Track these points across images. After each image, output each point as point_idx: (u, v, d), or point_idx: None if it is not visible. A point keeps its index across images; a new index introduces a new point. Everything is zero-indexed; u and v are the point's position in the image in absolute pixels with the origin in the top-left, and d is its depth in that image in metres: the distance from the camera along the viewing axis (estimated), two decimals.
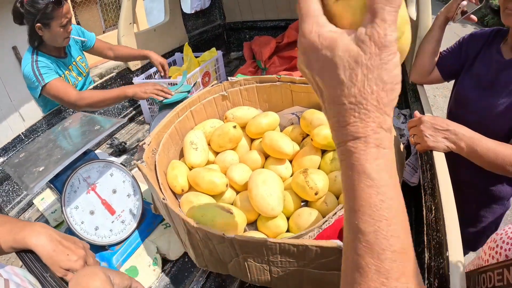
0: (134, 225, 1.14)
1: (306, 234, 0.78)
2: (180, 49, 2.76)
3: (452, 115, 1.46)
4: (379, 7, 0.33)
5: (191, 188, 1.14)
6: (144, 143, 1.08)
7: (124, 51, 2.13)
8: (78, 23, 6.86)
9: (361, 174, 0.35)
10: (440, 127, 1.04)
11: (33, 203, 1.54)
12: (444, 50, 1.47)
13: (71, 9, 1.80)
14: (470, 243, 1.61)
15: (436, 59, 1.45)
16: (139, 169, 1.00)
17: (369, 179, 0.35)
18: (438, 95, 4.92)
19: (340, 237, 0.76)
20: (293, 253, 0.71)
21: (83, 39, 2.01)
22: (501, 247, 0.68)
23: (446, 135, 1.04)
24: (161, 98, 1.67)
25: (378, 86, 0.34)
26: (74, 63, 2.00)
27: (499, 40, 1.30)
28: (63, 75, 1.89)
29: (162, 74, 2.04)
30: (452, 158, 1.06)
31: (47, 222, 1.36)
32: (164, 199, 0.90)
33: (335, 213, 0.72)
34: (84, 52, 2.11)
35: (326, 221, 0.71)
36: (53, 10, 1.64)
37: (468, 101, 1.34)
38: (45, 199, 1.40)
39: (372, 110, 0.35)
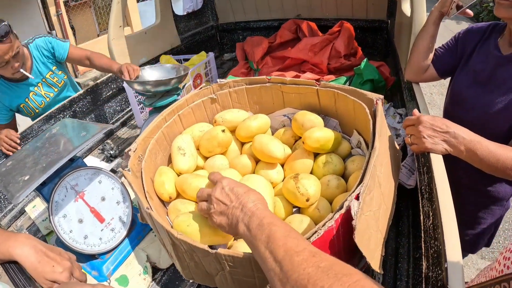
0: (124, 233, 1.12)
1: None
2: (172, 52, 2.74)
3: (448, 113, 1.42)
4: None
5: (179, 195, 1.10)
6: (130, 150, 1.05)
7: (102, 61, 1.97)
8: (72, 28, 6.82)
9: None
10: (439, 128, 0.99)
11: (25, 211, 1.52)
12: (439, 47, 1.44)
13: (16, 44, 1.69)
14: (469, 246, 1.57)
15: (431, 56, 1.41)
16: (125, 177, 0.97)
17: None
18: (434, 92, 4.90)
19: (330, 249, 0.73)
20: None
21: (26, 72, 1.84)
22: None
23: (445, 138, 0.99)
24: (8, 152, 1.66)
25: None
26: (43, 80, 1.95)
27: (496, 35, 1.26)
28: (23, 103, 1.92)
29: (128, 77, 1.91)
30: (450, 159, 1.02)
31: (38, 230, 1.35)
32: (148, 208, 0.87)
33: (324, 224, 0.69)
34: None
35: (315, 232, 0.68)
36: None
37: (464, 99, 1.30)
38: (37, 207, 1.39)
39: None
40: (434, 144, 1.00)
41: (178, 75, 1.50)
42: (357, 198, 0.72)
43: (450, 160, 1.02)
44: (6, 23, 1.59)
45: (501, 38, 1.24)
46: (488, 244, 1.58)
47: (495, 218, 1.45)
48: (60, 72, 2.03)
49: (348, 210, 0.70)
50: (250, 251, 0.69)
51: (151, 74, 1.73)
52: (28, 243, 0.81)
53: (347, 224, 0.71)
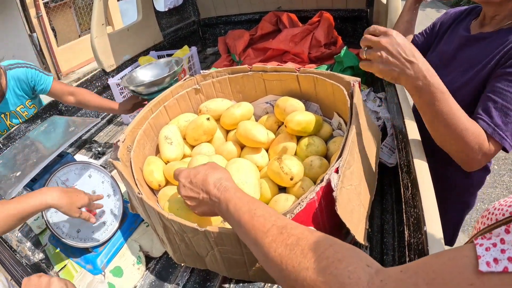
0: (116, 225, 1.14)
1: None
2: (155, 48, 2.74)
3: None
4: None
5: (168, 183, 1.13)
6: (119, 141, 1.08)
7: (89, 98, 1.84)
8: (53, 29, 6.73)
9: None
10: (404, 54, 0.79)
11: None
12: (418, 33, 1.46)
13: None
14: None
15: (409, 40, 1.43)
16: (114, 167, 0.99)
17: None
18: None
19: (314, 222, 0.76)
20: None
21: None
22: (493, 213, 0.69)
23: (405, 67, 0.80)
24: None
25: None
26: (13, 111, 1.83)
27: (472, 18, 1.25)
28: None
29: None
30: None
31: (30, 230, 1.34)
32: (139, 193, 0.89)
33: (306, 196, 0.72)
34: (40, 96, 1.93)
35: (298, 205, 0.71)
36: None
37: None
38: None
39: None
40: (388, 67, 0.81)
41: (172, 70, 1.50)
42: (337, 171, 0.75)
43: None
44: None
45: (475, 21, 1.23)
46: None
47: (459, 213, 1.45)
48: (32, 106, 1.90)
49: (329, 183, 0.73)
50: None
51: (145, 74, 1.69)
52: (53, 189, 0.94)
53: (328, 197, 0.74)
